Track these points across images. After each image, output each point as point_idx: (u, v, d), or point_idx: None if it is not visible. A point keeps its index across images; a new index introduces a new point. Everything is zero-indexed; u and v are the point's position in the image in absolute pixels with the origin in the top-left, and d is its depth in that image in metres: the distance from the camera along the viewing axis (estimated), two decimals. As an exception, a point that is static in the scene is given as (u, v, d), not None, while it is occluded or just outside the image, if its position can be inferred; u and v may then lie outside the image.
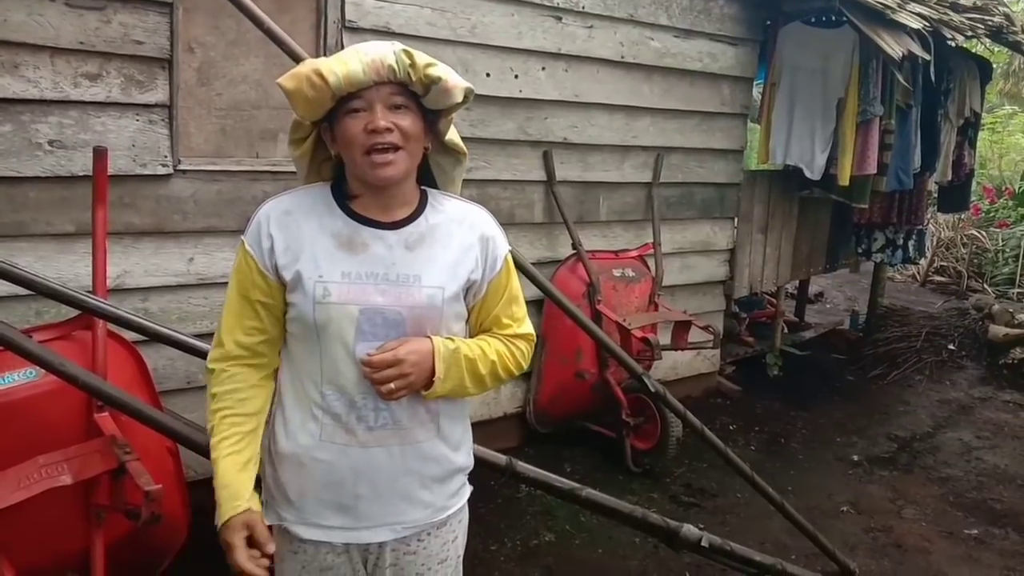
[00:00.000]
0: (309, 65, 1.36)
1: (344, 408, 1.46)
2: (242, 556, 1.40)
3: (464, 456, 1.62)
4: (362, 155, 1.39)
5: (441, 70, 1.41)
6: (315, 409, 1.47)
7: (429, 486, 1.55)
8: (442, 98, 1.43)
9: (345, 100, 1.39)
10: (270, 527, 1.52)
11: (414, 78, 1.39)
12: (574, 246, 3.96)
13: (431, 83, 1.40)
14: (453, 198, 1.58)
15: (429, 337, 1.46)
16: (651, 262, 4.31)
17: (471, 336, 1.59)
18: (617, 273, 4.10)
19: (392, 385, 1.41)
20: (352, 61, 1.36)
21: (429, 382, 1.45)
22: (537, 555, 3.18)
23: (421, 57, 1.39)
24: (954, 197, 6.44)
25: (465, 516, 1.67)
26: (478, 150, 3.67)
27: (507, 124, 3.76)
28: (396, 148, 1.40)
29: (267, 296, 1.47)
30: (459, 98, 1.44)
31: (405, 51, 1.38)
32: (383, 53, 1.37)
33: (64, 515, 2.15)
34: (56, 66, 2.60)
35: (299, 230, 1.45)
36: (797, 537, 3.24)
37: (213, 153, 3.01)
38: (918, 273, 8.75)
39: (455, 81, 1.42)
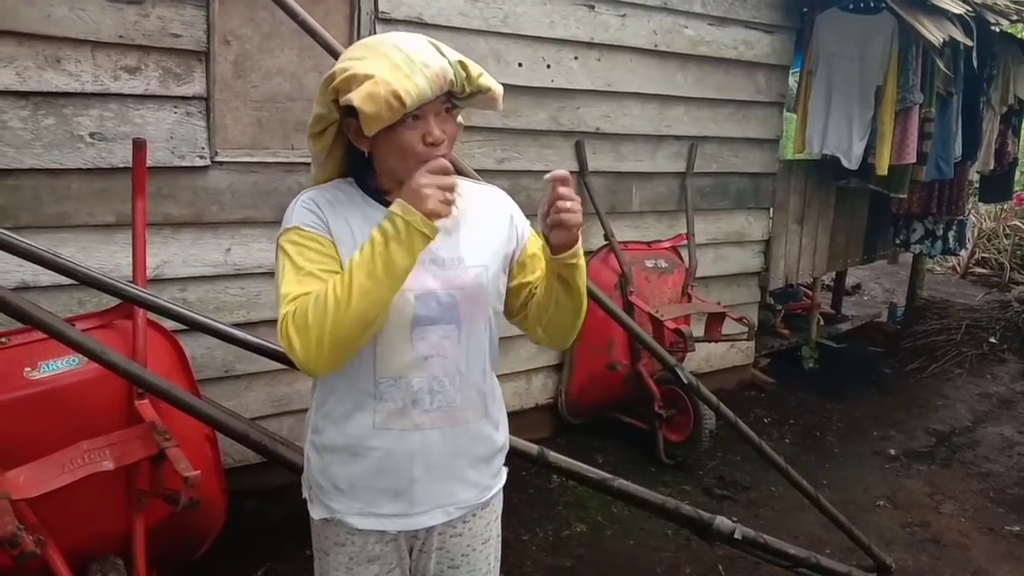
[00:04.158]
0: (384, 86, 1.32)
1: (400, 393, 1.47)
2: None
3: (503, 435, 1.66)
4: (416, 163, 1.39)
5: (488, 79, 1.44)
6: (367, 399, 1.47)
7: (477, 466, 1.58)
8: (484, 104, 1.47)
9: None
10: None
11: (468, 89, 1.42)
12: (606, 237, 3.94)
13: (479, 92, 1.43)
14: (460, 179, 1.59)
15: None
16: (684, 253, 4.28)
17: (525, 289, 1.57)
18: (650, 264, 4.07)
19: (569, 204, 1.37)
20: (419, 78, 1.34)
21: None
22: (569, 545, 3.19)
23: (473, 67, 1.42)
24: (996, 187, 6.30)
25: (501, 496, 1.69)
26: (510, 140, 3.67)
27: (539, 114, 3.75)
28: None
29: (339, 268, 1.40)
30: (500, 107, 1.48)
31: (461, 63, 1.40)
32: (443, 67, 1.37)
33: (106, 499, 2.20)
34: (97, 60, 2.64)
35: (346, 222, 1.45)
36: (832, 531, 3.20)
37: (249, 145, 3.04)
38: (958, 265, 8.57)
39: (498, 90, 1.46)
